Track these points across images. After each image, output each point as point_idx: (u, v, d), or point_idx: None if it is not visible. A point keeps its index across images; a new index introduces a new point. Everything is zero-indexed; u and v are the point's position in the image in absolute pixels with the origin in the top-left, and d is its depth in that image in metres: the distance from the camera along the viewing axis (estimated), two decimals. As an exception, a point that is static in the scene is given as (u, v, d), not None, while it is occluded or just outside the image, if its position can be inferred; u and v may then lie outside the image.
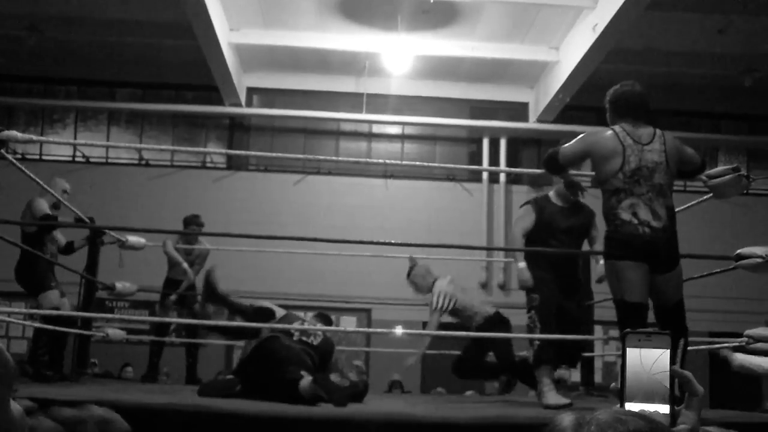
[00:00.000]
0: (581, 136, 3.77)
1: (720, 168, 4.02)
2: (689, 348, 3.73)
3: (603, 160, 3.60)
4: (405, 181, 11.66)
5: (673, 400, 1.12)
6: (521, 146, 12.30)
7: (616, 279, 3.57)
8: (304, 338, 4.66)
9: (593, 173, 3.75)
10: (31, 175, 4.67)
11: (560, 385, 5.33)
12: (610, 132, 3.64)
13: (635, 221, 3.51)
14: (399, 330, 5.79)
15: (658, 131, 3.66)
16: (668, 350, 1.13)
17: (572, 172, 4.14)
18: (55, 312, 5.50)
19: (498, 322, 5.42)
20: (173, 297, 6.98)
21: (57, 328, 5.28)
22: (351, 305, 10.28)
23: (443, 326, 5.53)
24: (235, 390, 4.40)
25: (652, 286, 3.55)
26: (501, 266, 11.29)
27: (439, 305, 5.28)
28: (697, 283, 4.89)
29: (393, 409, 4.00)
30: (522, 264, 4.62)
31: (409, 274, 5.65)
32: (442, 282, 5.48)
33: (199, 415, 3.13)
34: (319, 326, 4.96)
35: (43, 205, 5.66)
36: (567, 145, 3.78)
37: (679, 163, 3.69)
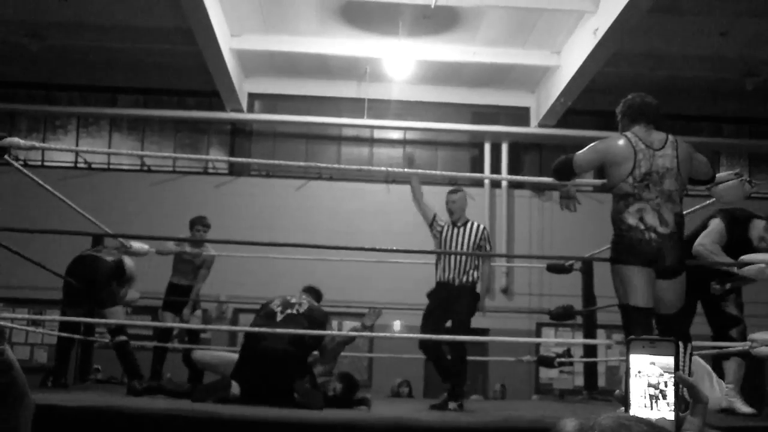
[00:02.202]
0: (594, 144, 3.76)
1: (723, 173, 4.01)
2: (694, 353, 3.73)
3: (615, 166, 3.60)
4: (407, 186, 11.60)
5: (677, 407, 1.12)
6: (523, 150, 12.30)
7: (621, 284, 3.55)
8: (289, 311, 4.74)
9: (604, 180, 3.74)
10: (38, 179, 4.67)
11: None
12: (622, 138, 3.64)
13: (642, 227, 3.50)
14: (398, 325, 5.77)
15: (671, 137, 3.64)
16: (673, 357, 1.13)
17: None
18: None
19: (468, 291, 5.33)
20: (198, 312, 6.96)
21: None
22: (353, 310, 10.26)
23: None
24: (228, 390, 4.43)
25: (656, 292, 3.55)
26: (503, 271, 11.28)
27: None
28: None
29: (397, 414, 4.00)
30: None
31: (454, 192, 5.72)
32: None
33: (201, 420, 3.13)
34: (305, 299, 4.99)
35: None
36: (581, 152, 3.78)
37: (692, 171, 3.67)
